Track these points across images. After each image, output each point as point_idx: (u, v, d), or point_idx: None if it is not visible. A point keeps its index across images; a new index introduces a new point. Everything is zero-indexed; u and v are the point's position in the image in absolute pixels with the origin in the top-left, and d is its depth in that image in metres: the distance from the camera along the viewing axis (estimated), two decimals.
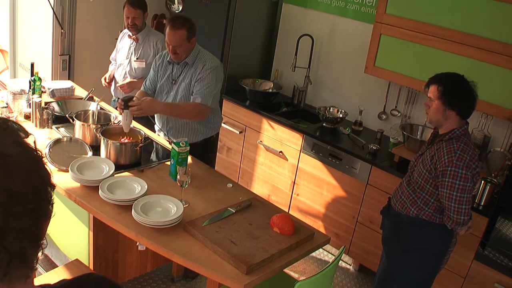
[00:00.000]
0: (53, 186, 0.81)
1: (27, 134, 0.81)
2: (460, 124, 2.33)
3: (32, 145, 0.80)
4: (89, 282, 0.96)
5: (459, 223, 2.30)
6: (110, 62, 4.04)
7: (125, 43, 3.74)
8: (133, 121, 3.27)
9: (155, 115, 3.15)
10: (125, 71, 3.71)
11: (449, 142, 2.30)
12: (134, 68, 3.67)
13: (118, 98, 3.66)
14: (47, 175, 0.80)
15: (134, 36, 3.63)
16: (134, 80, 3.64)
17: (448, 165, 2.25)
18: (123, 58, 3.72)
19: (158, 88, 3.05)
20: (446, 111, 2.30)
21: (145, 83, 3.12)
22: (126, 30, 3.73)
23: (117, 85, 3.69)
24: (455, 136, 2.30)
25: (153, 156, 2.97)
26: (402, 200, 2.51)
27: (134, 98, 2.81)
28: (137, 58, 3.65)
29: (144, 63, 3.65)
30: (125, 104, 2.73)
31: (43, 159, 0.81)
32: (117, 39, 3.91)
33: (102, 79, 3.84)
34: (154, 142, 3.07)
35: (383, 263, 2.70)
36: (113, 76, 3.83)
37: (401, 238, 2.55)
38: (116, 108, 3.14)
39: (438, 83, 2.32)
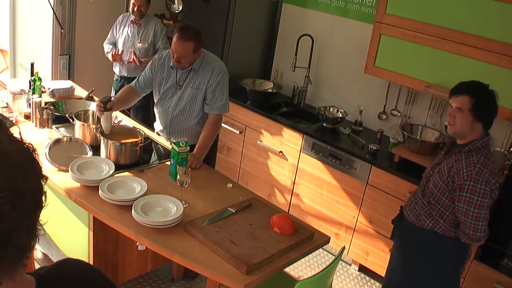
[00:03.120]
0: (45, 178, 0.83)
1: (11, 124, 0.84)
2: (481, 135, 2.24)
3: (19, 137, 0.82)
4: (69, 263, 1.01)
5: (474, 239, 2.21)
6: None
7: (127, 28, 4.11)
8: (133, 121, 3.27)
9: (156, 118, 3.15)
10: (131, 54, 4.06)
11: (468, 154, 2.21)
12: (139, 49, 4.09)
13: (121, 78, 4.14)
14: (39, 168, 0.82)
15: (138, 22, 4.06)
16: (142, 59, 4.03)
17: (467, 179, 2.16)
18: (127, 42, 4.09)
19: (162, 93, 3.00)
20: (473, 123, 2.22)
21: (138, 80, 3.05)
22: (126, 14, 4.15)
23: (129, 60, 4.04)
24: (475, 148, 2.21)
25: (153, 156, 2.97)
26: (417, 211, 2.43)
27: (112, 99, 2.82)
28: (140, 40, 4.10)
29: (146, 43, 4.11)
30: (105, 106, 2.72)
31: (35, 151, 0.83)
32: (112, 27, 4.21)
33: (111, 55, 4.09)
34: (154, 142, 3.07)
35: (395, 273, 2.61)
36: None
37: (416, 250, 2.47)
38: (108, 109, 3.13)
39: (469, 94, 2.21)
